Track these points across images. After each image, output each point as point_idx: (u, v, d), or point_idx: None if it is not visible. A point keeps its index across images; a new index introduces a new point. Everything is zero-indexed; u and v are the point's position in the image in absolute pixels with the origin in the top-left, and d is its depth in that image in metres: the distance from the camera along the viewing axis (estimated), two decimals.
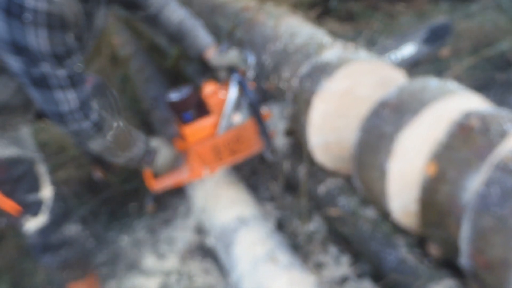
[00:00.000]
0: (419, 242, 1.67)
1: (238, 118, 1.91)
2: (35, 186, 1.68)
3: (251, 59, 1.93)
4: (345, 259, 1.84)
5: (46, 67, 1.35)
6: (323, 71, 1.84)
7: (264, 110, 1.96)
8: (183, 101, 1.88)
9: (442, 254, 1.59)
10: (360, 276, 1.78)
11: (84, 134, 1.54)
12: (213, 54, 1.90)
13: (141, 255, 2.04)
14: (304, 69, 1.92)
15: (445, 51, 3.02)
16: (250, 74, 1.93)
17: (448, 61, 2.87)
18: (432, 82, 1.65)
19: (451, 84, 1.64)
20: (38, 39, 1.29)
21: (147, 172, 1.88)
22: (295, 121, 1.96)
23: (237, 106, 1.90)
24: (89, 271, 1.90)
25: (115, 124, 1.60)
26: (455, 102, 1.56)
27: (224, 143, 1.93)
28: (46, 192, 1.71)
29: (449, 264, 1.55)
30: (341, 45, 2.00)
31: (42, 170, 1.70)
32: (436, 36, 2.48)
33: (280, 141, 2.07)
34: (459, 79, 1.88)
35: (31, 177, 1.67)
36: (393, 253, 1.63)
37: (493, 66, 2.75)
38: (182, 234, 2.09)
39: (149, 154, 1.76)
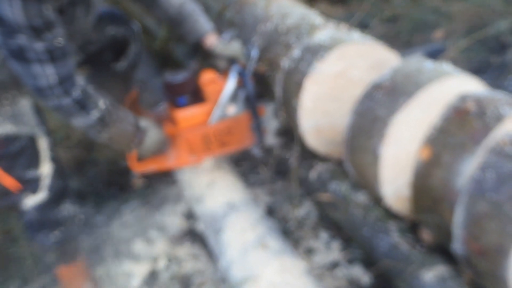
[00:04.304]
0: (412, 227, 1.65)
1: (232, 109, 1.88)
2: (34, 162, 1.65)
3: (255, 53, 1.91)
4: (336, 245, 1.83)
5: (22, 39, 1.31)
6: (315, 52, 1.80)
7: (260, 105, 1.93)
8: (180, 85, 1.84)
9: (435, 240, 1.57)
10: (351, 261, 1.77)
11: (64, 111, 1.50)
12: (216, 42, 1.88)
13: (130, 240, 2.02)
14: (295, 50, 1.87)
15: (438, 34, 2.98)
16: (251, 67, 1.91)
17: (442, 43, 2.83)
18: (427, 64, 1.61)
19: (447, 66, 1.61)
20: (12, 9, 1.26)
21: (131, 153, 1.83)
22: (286, 104, 1.92)
23: (234, 98, 1.87)
24: (79, 255, 1.87)
25: (101, 102, 1.55)
26: (451, 85, 1.52)
27: (215, 133, 1.89)
28: (45, 168, 1.67)
29: (441, 250, 1.53)
30: (334, 26, 1.95)
31: (43, 145, 1.65)
32: (432, 57, 2.49)
33: (271, 140, 2.05)
34: (454, 61, 1.84)
35: (30, 152, 1.63)
36: (385, 238, 1.62)
37: (488, 49, 2.72)
38: (171, 220, 2.06)
39: (138, 135, 1.72)
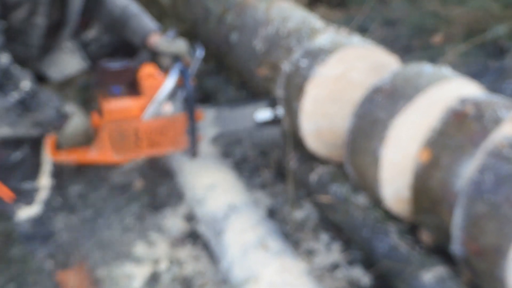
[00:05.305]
0: (411, 229, 1.66)
1: (169, 108, 1.77)
2: (33, 174, 1.60)
3: (200, 53, 1.82)
4: (336, 246, 1.84)
5: None
6: (316, 56, 1.81)
7: (199, 109, 1.84)
8: (115, 72, 1.74)
9: (434, 241, 1.58)
10: (351, 263, 1.77)
11: None
12: (160, 39, 1.81)
13: (131, 243, 2.02)
14: (296, 53, 1.89)
15: (437, 38, 3.00)
16: (194, 67, 1.82)
17: (441, 47, 2.85)
18: (426, 68, 1.63)
19: (446, 70, 1.63)
20: None
21: (50, 138, 1.70)
22: (287, 107, 1.93)
23: (172, 96, 1.76)
24: (78, 259, 1.87)
25: (23, 84, 1.43)
26: (450, 88, 1.54)
27: (146, 131, 1.77)
28: (44, 181, 1.63)
29: (440, 251, 1.54)
30: (334, 29, 1.97)
31: (46, 157, 1.60)
32: None
33: (206, 148, 1.97)
34: (453, 65, 1.86)
35: (31, 164, 1.59)
36: (384, 239, 1.63)
37: (486, 53, 2.75)
38: (172, 222, 2.06)
39: (59, 119, 1.58)
